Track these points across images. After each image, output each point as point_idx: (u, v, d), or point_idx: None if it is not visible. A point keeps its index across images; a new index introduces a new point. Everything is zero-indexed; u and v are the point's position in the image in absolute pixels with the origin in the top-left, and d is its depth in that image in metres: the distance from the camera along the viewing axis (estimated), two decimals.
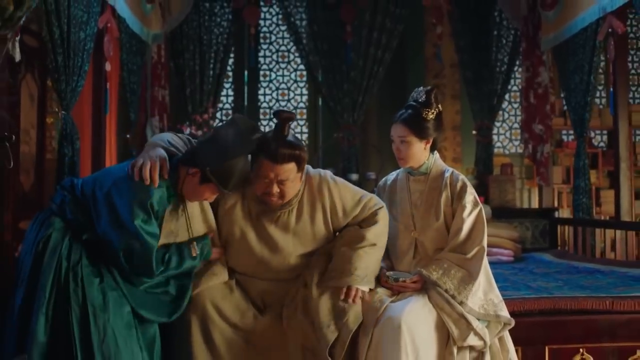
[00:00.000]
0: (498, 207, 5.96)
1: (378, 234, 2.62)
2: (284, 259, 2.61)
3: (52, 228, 2.34)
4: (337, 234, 2.68)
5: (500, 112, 7.77)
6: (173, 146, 2.46)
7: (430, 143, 2.74)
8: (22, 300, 2.29)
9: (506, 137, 8.14)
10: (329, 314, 2.48)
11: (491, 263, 2.82)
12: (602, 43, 4.95)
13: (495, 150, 7.73)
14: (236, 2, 6.61)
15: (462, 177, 2.75)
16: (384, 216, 2.65)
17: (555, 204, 7.05)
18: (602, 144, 7.95)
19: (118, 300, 2.33)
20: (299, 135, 7.72)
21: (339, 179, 2.69)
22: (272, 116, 7.82)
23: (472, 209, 2.67)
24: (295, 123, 7.93)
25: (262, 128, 7.74)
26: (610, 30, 4.77)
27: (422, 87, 2.77)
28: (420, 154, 2.73)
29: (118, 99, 5.15)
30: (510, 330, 2.64)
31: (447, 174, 2.75)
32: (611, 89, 5.05)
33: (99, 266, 2.33)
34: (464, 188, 2.70)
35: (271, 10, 7.78)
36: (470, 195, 2.69)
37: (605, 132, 7.82)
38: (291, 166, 2.46)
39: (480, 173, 6.70)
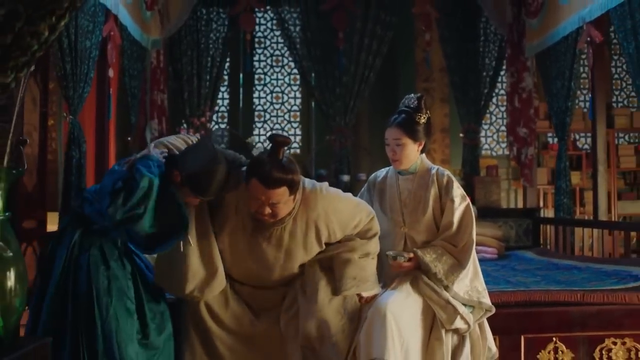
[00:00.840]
0: (484, 207, 6.13)
1: (377, 242, 2.79)
2: (274, 273, 2.67)
3: (69, 220, 2.57)
4: (334, 244, 2.74)
5: (488, 115, 7.95)
6: (173, 145, 2.59)
7: (422, 145, 2.91)
8: (37, 290, 2.49)
9: (494, 140, 8.34)
10: (341, 319, 2.62)
11: None
12: (585, 50, 5.15)
13: (483, 152, 7.92)
14: (232, 9, 6.79)
15: (447, 172, 2.93)
16: (376, 226, 2.79)
17: (541, 204, 7.23)
18: (586, 147, 8.14)
19: (121, 290, 2.50)
20: (292, 138, 7.92)
21: (334, 192, 2.68)
22: (265, 119, 8.03)
23: (460, 201, 2.84)
24: (288, 125, 8.10)
25: (256, 130, 7.97)
26: (589, 39, 4.99)
27: (412, 94, 2.94)
28: (414, 155, 2.89)
29: (118, 103, 5.31)
30: (488, 320, 2.84)
31: (433, 171, 2.92)
32: (590, 95, 5.26)
33: (106, 257, 2.51)
34: (450, 182, 2.87)
35: (266, 16, 7.97)
36: (458, 189, 2.87)
37: (589, 134, 7.93)
38: (282, 190, 2.43)
39: (466, 174, 6.87)
